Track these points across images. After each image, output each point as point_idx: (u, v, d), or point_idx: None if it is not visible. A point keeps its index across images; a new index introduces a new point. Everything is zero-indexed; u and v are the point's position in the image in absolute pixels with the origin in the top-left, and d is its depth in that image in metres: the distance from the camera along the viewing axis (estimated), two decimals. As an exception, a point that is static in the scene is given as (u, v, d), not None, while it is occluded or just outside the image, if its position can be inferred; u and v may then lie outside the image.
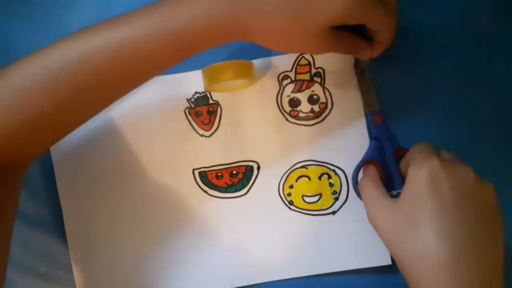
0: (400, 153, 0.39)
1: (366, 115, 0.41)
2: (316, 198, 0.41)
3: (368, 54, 0.37)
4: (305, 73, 0.42)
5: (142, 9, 0.32)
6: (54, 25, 0.43)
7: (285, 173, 0.42)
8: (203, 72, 0.40)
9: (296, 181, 0.42)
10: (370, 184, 0.37)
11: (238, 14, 0.31)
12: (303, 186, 0.42)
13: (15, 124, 0.32)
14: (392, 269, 0.40)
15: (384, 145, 0.40)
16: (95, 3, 0.44)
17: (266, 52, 0.42)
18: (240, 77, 0.39)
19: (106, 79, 0.32)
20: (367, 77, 0.41)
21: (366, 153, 0.40)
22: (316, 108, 0.42)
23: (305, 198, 0.42)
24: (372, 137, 0.41)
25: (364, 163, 0.40)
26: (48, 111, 0.32)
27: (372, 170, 0.38)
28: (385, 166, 0.39)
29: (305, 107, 0.42)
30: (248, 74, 0.40)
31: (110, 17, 0.43)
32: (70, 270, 0.41)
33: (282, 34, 0.32)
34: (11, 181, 0.35)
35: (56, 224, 0.42)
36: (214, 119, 0.42)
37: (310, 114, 0.42)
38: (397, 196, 0.34)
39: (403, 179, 0.38)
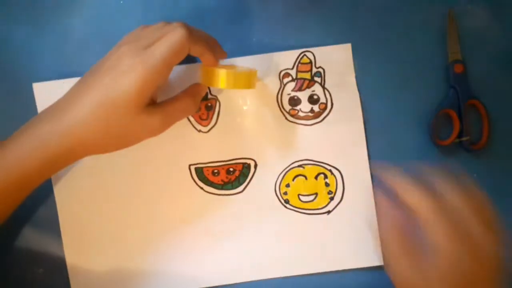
0: (471, 103, 0.42)
1: (448, 63, 0.42)
2: (312, 197, 0.42)
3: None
4: (307, 71, 0.42)
5: None
6: (54, 26, 0.43)
7: (282, 172, 0.42)
8: (202, 71, 0.37)
9: (293, 180, 0.42)
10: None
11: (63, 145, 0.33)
12: (299, 185, 0.42)
13: None
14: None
15: (460, 94, 0.41)
16: (95, 3, 0.43)
17: (268, 48, 0.42)
18: (240, 87, 0.37)
19: None
20: (455, 26, 0.42)
21: (444, 101, 0.42)
22: (316, 108, 0.42)
23: (301, 197, 0.42)
24: (450, 85, 0.42)
25: (440, 110, 0.42)
26: None
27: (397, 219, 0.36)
28: (459, 114, 0.41)
29: (305, 106, 0.42)
30: (249, 85, 0.38)
31: (110, 17, 0.42)
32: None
33: (105, 136, 0.34)
34: None
35: (54, 224, 0.41)
36: (212, 115, 0.42)
37: (310, 114, 0.42)
38: (466, 143, 0.41)
39: (468, 129, 0.41)
